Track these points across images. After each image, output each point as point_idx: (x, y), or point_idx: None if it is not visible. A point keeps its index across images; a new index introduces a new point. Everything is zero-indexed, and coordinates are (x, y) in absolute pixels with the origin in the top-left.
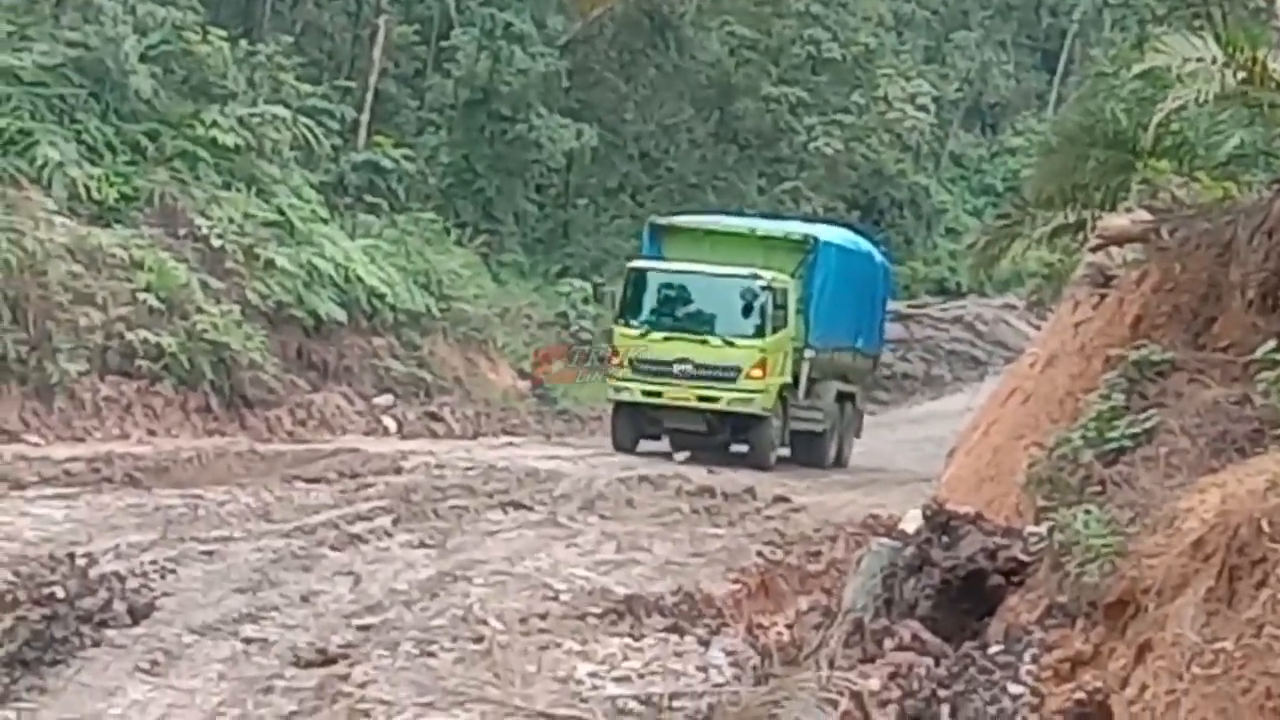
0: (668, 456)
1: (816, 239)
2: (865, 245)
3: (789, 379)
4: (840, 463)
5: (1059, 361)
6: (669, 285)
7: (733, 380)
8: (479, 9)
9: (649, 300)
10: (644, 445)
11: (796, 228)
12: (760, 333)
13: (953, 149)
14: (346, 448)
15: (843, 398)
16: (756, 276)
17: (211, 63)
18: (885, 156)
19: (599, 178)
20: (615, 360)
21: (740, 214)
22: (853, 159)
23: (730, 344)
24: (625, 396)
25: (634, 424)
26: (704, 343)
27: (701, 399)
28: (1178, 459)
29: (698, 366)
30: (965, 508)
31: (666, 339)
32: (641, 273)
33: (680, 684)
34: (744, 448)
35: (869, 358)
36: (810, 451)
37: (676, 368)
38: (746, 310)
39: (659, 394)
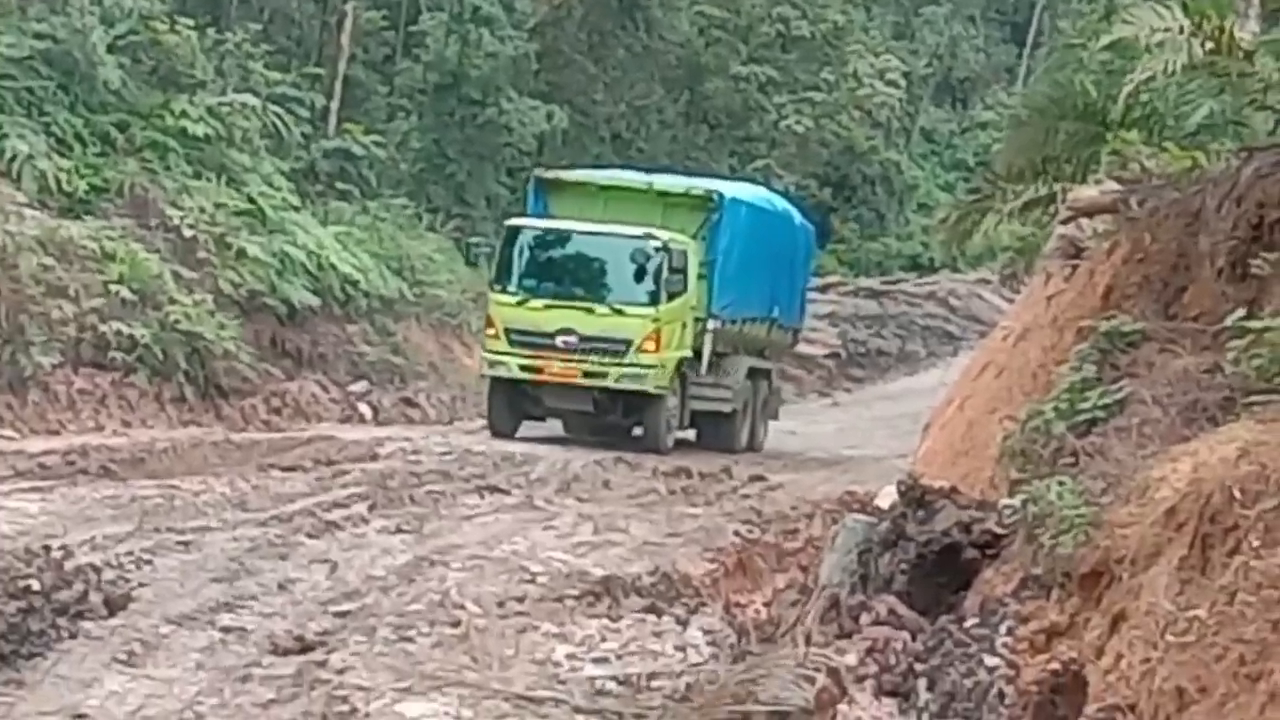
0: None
1: (721, 195)
2: (782, 205)
3: (689, 353)
4: (754, 447)
5: (1031, 334)
6: (551, 246)
7: (623, 354)
8: None
9: (528, 263)
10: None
11: (699, 183)
12: (654, 300)
13: (923, 124)
14: (322, 435)
15: (756, 375)
16: (650, 236)
17: (180, 52)
18: (856, 133)
19: (570, 160)
20: (490, 331)
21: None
22: (823, 136)
23: (620, 312)
24: (501, 372)
25: (513, 404)
26: (590, 311)
27: (587, 375)
28: (1149, 429)
29: (583, 338)
30: (940, 482)
31: (548, 307)
32: (519, 231)
33: (658, 664)
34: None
35: (787, 331)
36: (717, 434)
37: (559, 339)
38: (639, 274)
39: (539, 369)
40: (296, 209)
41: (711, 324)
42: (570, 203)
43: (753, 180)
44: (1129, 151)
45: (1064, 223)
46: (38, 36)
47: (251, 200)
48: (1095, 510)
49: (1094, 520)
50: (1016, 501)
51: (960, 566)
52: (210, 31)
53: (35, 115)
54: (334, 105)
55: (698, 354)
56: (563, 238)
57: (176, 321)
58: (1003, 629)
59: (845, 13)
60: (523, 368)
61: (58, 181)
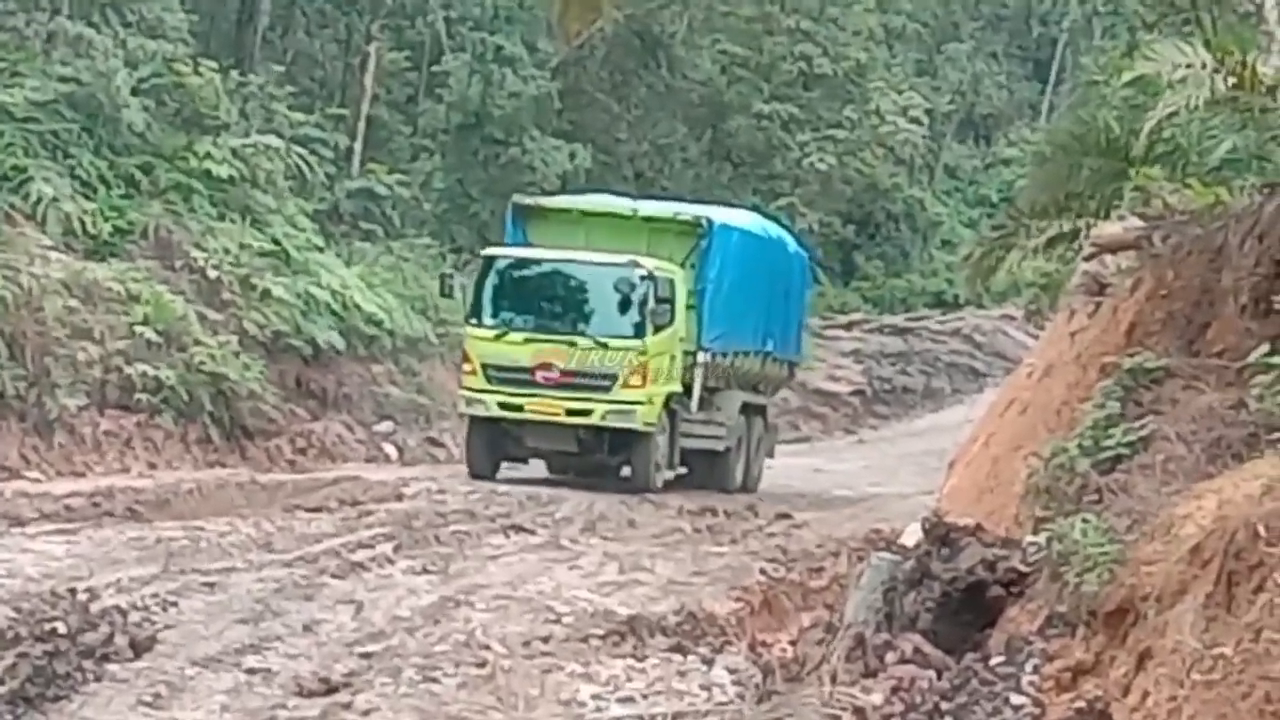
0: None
1: (711, 221)
2: (776, 231)
3: (678, 388)
4: (748, 487)
5: (1056, 371)
6: (529, 276)
7: (608, 389)
8: (469, 33)
9: (505, 294)
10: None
11: (687, 209)
12: (640, 332)
13: (946, 161)
14: (347, 476)
15: (750, 410)
16: (635, 264)
17: (203, 94)
18: (879, 170)
19: None
20: (468, 367)
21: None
22: (846, 174)
23: (604, 346)
24: (479, 410)
25: (492, 444)
26: (572, 345)
27: (571, 413)
28: (1174, 466)
29: (565, 373)
30: (965, 519)
31: (527, 340)
32: (495, 261)
33: (684, 703)
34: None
35: (782, 364)
36: (711, 473)
37: (540, 375)
38: (623, 305)
39: (519, 407)
40: (320, 249)
41: (701, 357)
42: (550, 230)
43: (774, 217)
44: (1152, 187)
45: (1087, 259)
46: (62, 80)
47: (276, 241)
48: (1120, 548)
49: (1119, 558)
50: (1041, 539)
51: (985, 604)
52: (234, 73)
53: (60, 158)
54: (357, 146)
55: (687, 389)
56: (542, 267)
57: (201, 363)
58: (1028, 667)
59: (867, 50)
60: (502, 405)
61: (82, 224)
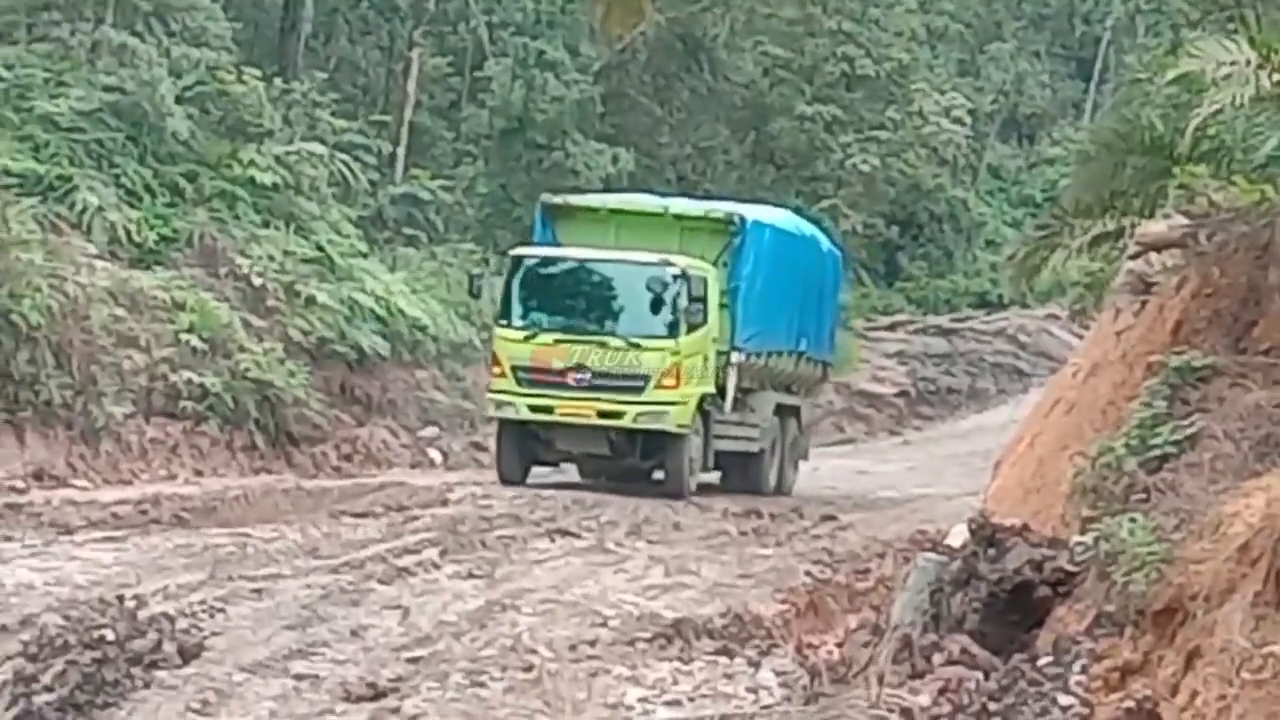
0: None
1: (744, 219)
2: (809, 229)
3: (711, 389)
4: (782, 490)
5: (1101, 370)
6: (559, 276)
7: (640, 391)
8: (512, 38)
9: (535, 295)
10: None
11: (719, 206)
12: (673, 332)
13: (990, 161)
14: (393, 481)
15: (784, 412)
16: (668, 263)
17: (247, 102)
18: (922, 171)
19: None
20: (497, 370)
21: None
22: (890, 175)
23: (636, 346)
24: (509, 414)
25: (522, 448)
26: (604, 345)
27: (602, 415)
28: (1221, 464)
29: (597, 375)
30: (1011, 520)
31: (557, 342)
32: (524, 261)
33: (730, 706)
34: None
35: (817, 364)
36: (745, 476)
37: (571, 377)
38: (656, 305)
39: (550, 409)
40: (364, 256)
41: (735, 357)
42: (580, 230)
43: (818, 219)
44: (1197, 185)
45: (1132, 258)
46: (106, 89)
47: (320, 248)
48: (1168, 547)
49: (1167, 557)
50: (1088, 539)
51: (1032, 605)
52: (277, 81)
53: (105, 167)
54: (400, 151)
55: (721, 390)
56: (572, 267)
57: (247, 370)
58: (1076, 667)
59: (910, 51)
60: (532, 408)
61: (127, 232)
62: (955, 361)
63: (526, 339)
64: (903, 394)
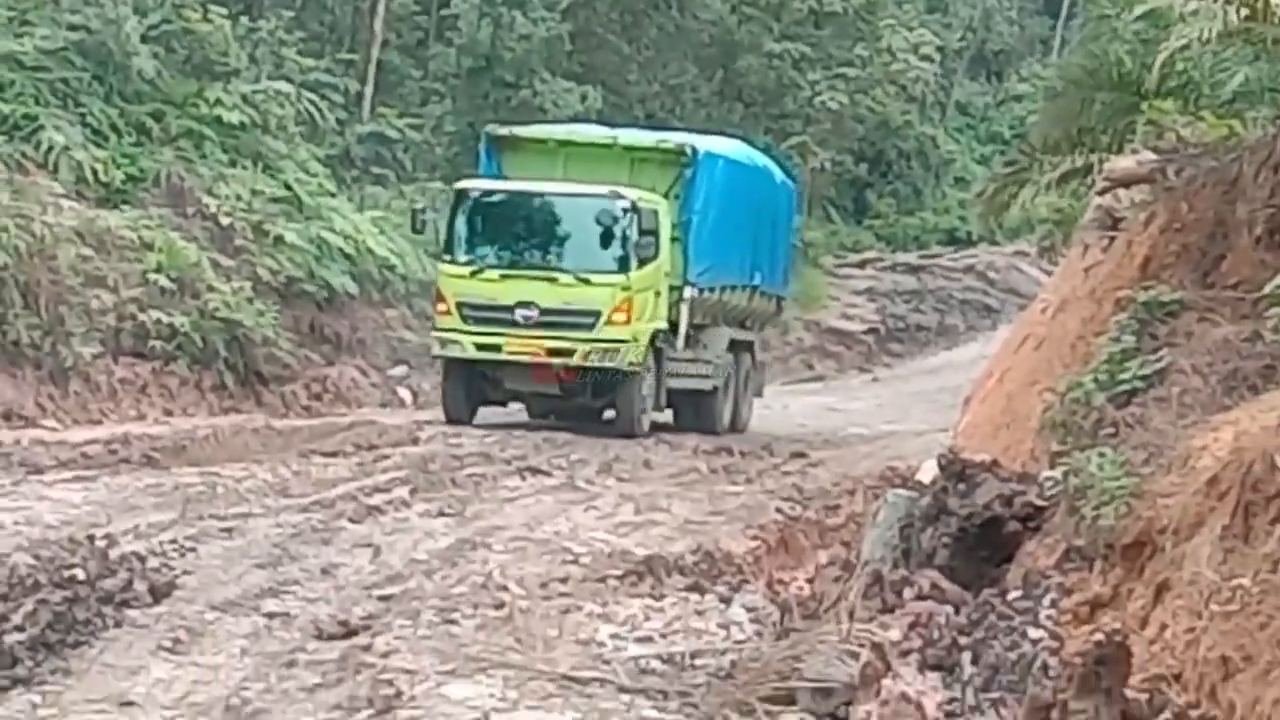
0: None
1: (695, 150)
2: (761, 160)
3: (663, 325)
4: (737, 427)
5: (1070, 306)
6: (505, 210)
7: (590, 327)
8: None
9: (480, 230)
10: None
11: (670, 137)
12: (624, 266)
13: (958, 98)
14: (363, 420)
15: (738, 347)
16: (618, 195)
17: (213, 41)
18: (891, 108)
19: None
20: (442, 307)
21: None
22: (858, 112)
23: (585, 281)
24: (454, 352)
25: (468, 387)
26: (552, 281)
27: (552, 352)
28: (1190, 398)
29: (545, 311)
30: (980, 456)
31: (504, 277)
32: (469, 194)
33: (702, 642)
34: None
35: (771, 298)
36: (697, 414)
37: (518, 313)
38: (606, 238)
39: (497, 347)
40: (333, 195)
41: (688, 292)
42: (526, 161)
43: (787, 155)
44: (1165, 121)
45: (1101, 194)
46: (71, 28)
47: (288, 187)
48: (1136, 481)
49: (1135, 491)
50: (1057, 473)
51: (1002, 540)
52: (243, 19)
53: (71, 106)
54: (368, 90)
55: (673, 326)
56: (519, 200)
57: (215, 309)
58: (1046, 601)
59: None
60: (479, 346)
61: (94, 172)
62: (924, 298)
63: (472, 275)
64: (872, 331)
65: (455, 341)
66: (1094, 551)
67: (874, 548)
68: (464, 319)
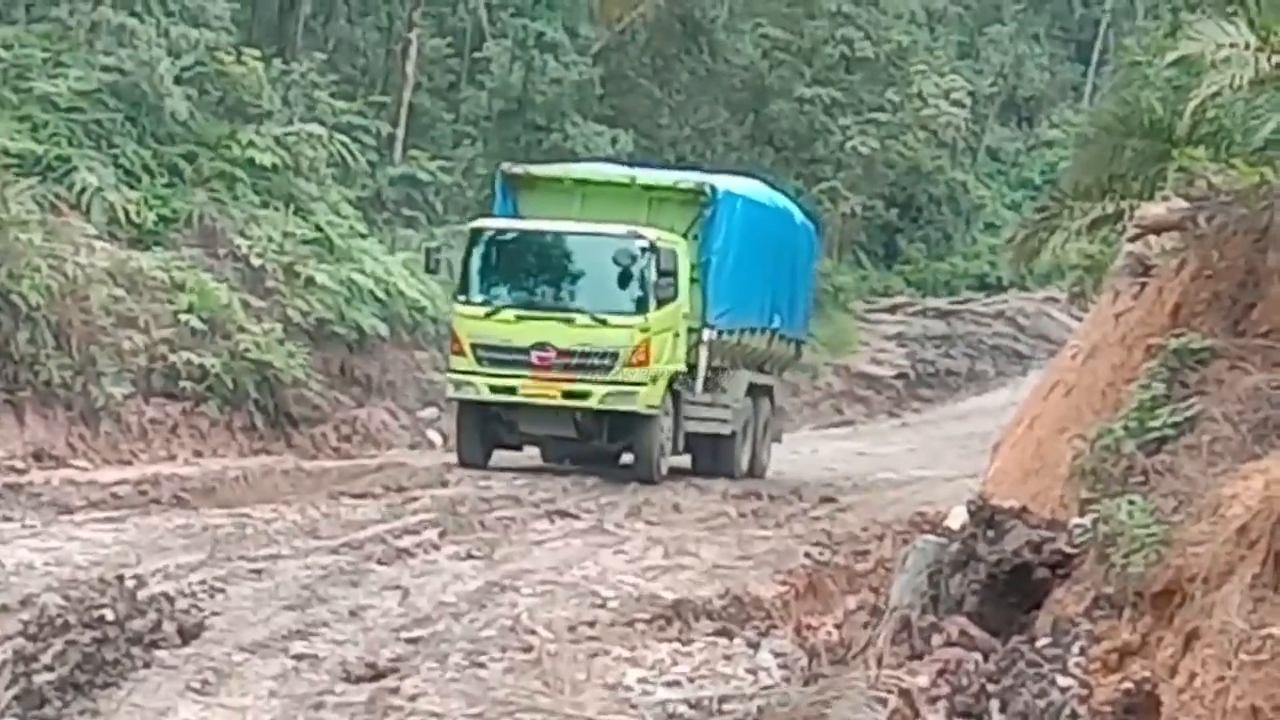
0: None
1: (715, 189)
2: (781, 201)
3: (682, 367)
4: (755, 472)
5: (1100, 353)
6: (521, 249)
7: (608, 370)
8: (511, 20)
9: (495, 269)
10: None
11: (689, 176)
12: (642, 308)
13: (989, 144)
14: (392, 462)
15: (756, 392)
16: (636, 235)
17: (246, 83)
18: (921, 153)
19: None
20: (455, 348)
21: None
22: (889, 157)
23: (603, 323)
24: (468, 394)
25: (484, 430)
26: (569, 322)
27: (568, 395)
28: (1220, 446)
29: (562, 353)
30: (1010, 502)
31: (520, 319)
32: (484, 233)
33: (730, 687)
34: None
35: (790, 342)
36: (716, 458)
37: (534, 355)
38: (624, 279)
39: (512, 389)
40: (364, 236)
41: (707, 334)
42: (543, 201)
43: (817, 201)
44: (1196, 168)
45: (1132, 240)
46: (105, 69)
47: (319, 229)
48: (1166, 529)
49: (1165, 539)
50: (1087, 521)
51: (1031, 587)
52: (276, 62)
53: (104, 147)
54: (399, 133)
55: (692, 369)
56: (534, 240)
57: (246, 350)
58: (1075, 649)
59: (909, 33)
60: (493, 389)
61: (126, 213)
62: (954, 344)
63: (487, 315)
64: (901, 376)
65: (469, 383)
66: (1123, 599)
67: (903, 593)
68: (479, 360)
